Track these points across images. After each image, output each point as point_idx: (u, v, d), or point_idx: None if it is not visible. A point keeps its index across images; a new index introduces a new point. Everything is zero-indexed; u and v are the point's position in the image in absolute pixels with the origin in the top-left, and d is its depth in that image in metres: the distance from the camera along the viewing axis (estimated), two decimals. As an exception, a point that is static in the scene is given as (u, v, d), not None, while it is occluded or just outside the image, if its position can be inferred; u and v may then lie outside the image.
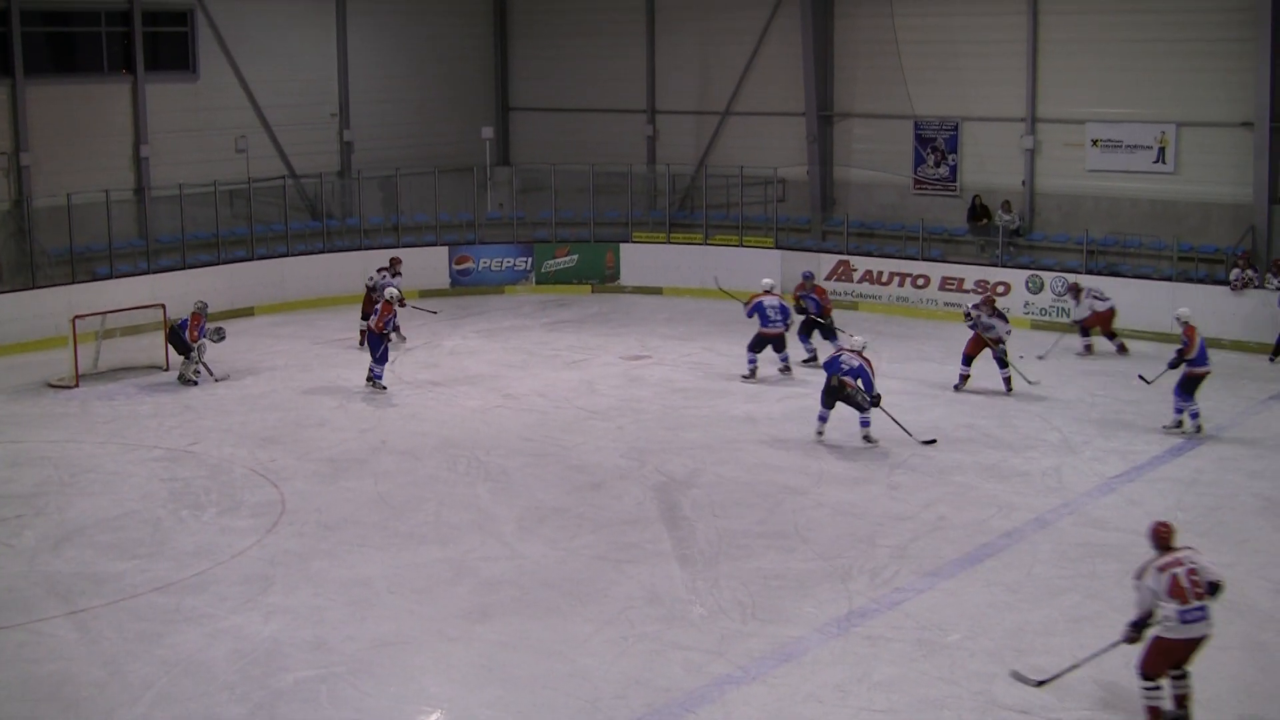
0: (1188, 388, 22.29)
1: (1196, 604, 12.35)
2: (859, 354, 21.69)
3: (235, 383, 25.92)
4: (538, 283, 35.56)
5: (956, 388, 24.98)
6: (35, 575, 16.53)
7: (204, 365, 26.09)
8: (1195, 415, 22.36)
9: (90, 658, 14.24)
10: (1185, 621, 12.34)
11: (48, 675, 13.84)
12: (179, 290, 28.81)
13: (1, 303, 28.77)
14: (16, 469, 20.74)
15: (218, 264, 32.54)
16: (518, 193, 38.44)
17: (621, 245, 35.84)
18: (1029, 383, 25.02)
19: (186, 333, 25.79)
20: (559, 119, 41.41)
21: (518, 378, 26.35)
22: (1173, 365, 22.37)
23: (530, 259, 35.71)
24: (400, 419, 23.35)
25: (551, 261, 35.67)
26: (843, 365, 21.69)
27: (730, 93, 38.23)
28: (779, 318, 25.99)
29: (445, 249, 35.30)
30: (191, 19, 34.72)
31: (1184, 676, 12.65)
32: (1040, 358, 27.06)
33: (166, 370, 26.49)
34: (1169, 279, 29.47)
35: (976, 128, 34.10)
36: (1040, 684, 13.33)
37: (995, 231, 32.50)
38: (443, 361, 27.57)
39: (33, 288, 29.66)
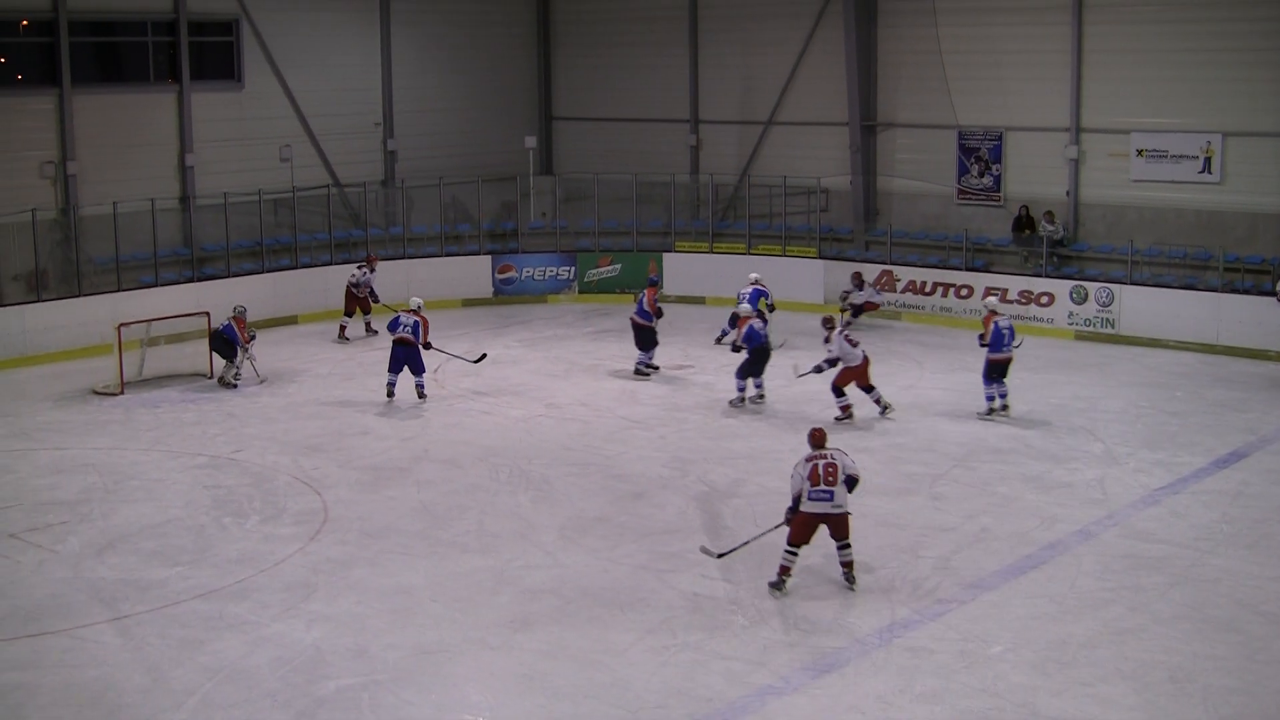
0: (992, 373, 23.98)
1: (826, 489, 15.84)
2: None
3: (279, 390, 26.02)
4: (580, 292, 35.59)
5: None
6: (79, 581, 16.62)
7: (253, 365, 26.45)
8: (1004, 396, 24.03)
9: (133, 664, 14.31)
10: (813, 499, 15.85)
11: (91, 681, 13.91)
12: (223, 298, 28.90)
13: (48, 310, 28.99)
14: (61, 475, 20.87)
15: (262, 272, 32.73)
16: (561, 202, 38.52)
17: (664, 255, 35.82)
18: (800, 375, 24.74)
19: (237, 335, 25.97)
20: (602, 128, 41.44)
21: (560, 387, 26.38)
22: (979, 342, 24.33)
23: (573, 268, 35.75)
24: (442, 428, 23.39)
25: (594, 271, 35.70)
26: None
27: (773, 102, 38.19)
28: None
29: (489, 258, 35.37)
30: (237, 29, 34.91)
31: (845, 547, 16.13)
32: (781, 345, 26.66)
33: (210, 378, 26.63)
34: (1214, 290, 29.29)
35: (1020, 137, 33.97)
36: (720, 556, 16.64)
37: (1039, 242, 32.37)
38: (485, 371, 27.58)
39: (78, 295, 29.83)
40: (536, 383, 26.74)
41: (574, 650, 14.56)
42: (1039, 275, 31.69)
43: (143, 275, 31.28)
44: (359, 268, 31.19)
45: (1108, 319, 30.01)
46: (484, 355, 27.51)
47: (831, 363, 23.83)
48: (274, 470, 21.10)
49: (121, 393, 25.62)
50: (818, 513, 15.90)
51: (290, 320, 32.32)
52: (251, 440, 22.77)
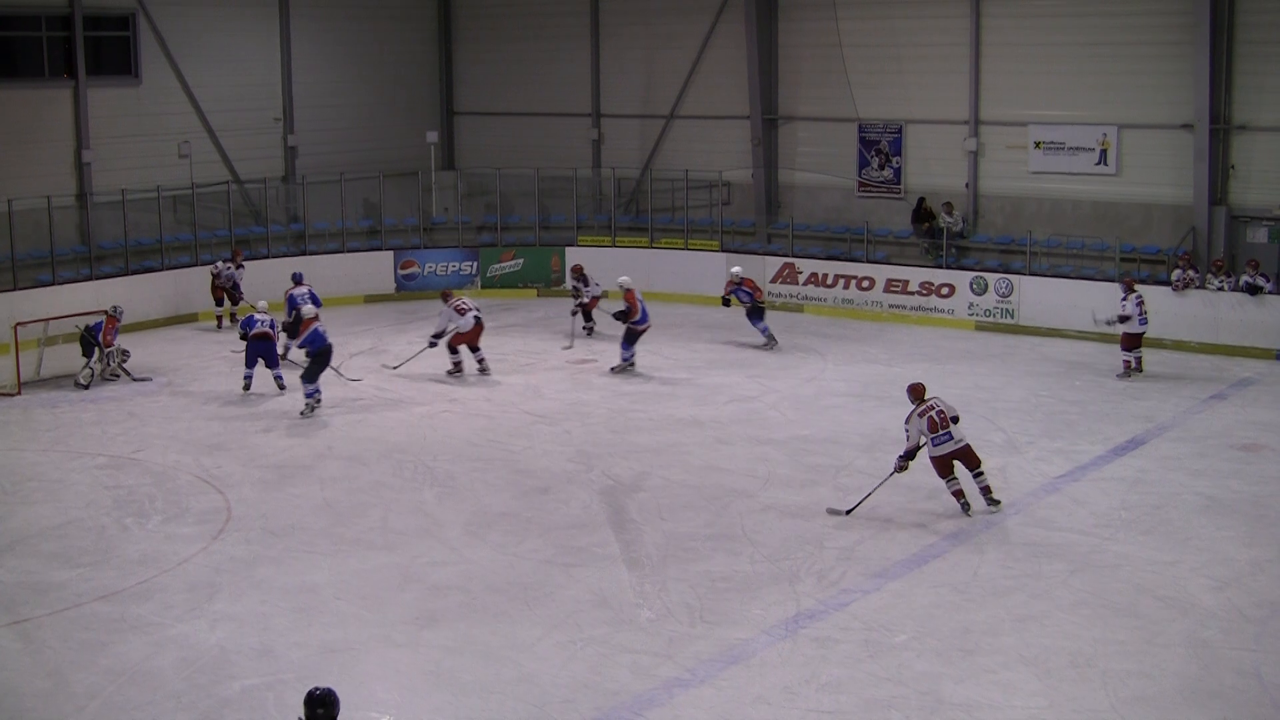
0: (629, 339, 27.00)
1: (944, 431, 18.22)
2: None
3: (180, 389, 25.78)
4: (483, 287, 35.50)
5: None
6: (-22, 585, 16.42)
7: (119, 367, 26.31)
8: (630, 358, 26.92)
9: (34, 668, 14.13)
10: (939, 443, 18.24)
11: (-9, 686, 13.75)
12: (122, 296, 28.53)
13: (-57, 310, 28.54)
14: (-42, 478, 20.60)
15: (161, 270, 32.37)
16: (463, 197, 38.40)
17: (567, 249, 35.83)
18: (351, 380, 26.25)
19: (101, 335, 25.75)
20: (504, 123, 41.36)
21: (463, 382, 26.29)
22: (618, 318, 27.36)
23: (476, 263, 35.67)
24: (345, 425, 23.27)
25: (497, 266, 35.64)
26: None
27: (675, 96, 38.27)
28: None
29: (390, 254, 35.24)
30: (133, 23, 34.48)
31: (980, 474, 18.48)
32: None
33: (115, 378, 26.35)
34: (1111, 280, 29.64)
35: (920, 130, 34.26)
36: (848, 513, 18.34)
37: (939, 234, 32.65)
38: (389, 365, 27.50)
39: (-27, 295, 29.44)
40: (440, 378, 26.64)
41: (480, 646, 14.54)
42: (939, 267, 31.98)
43: (39, 274, 30.86)
44: (224, 261, 31.41)
45: (1007, 309, 30.33)
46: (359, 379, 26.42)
47: (439, 336, 26.90)
48: (176, 469, 20.90)
49: (19, 393, 25.28)
50: (948, 453, 18.25)
51: (191, 318, 32.02)
52: (152, 439, 22.55)
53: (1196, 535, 17.80)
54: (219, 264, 31.07)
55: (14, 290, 29.66)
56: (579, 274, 30.50)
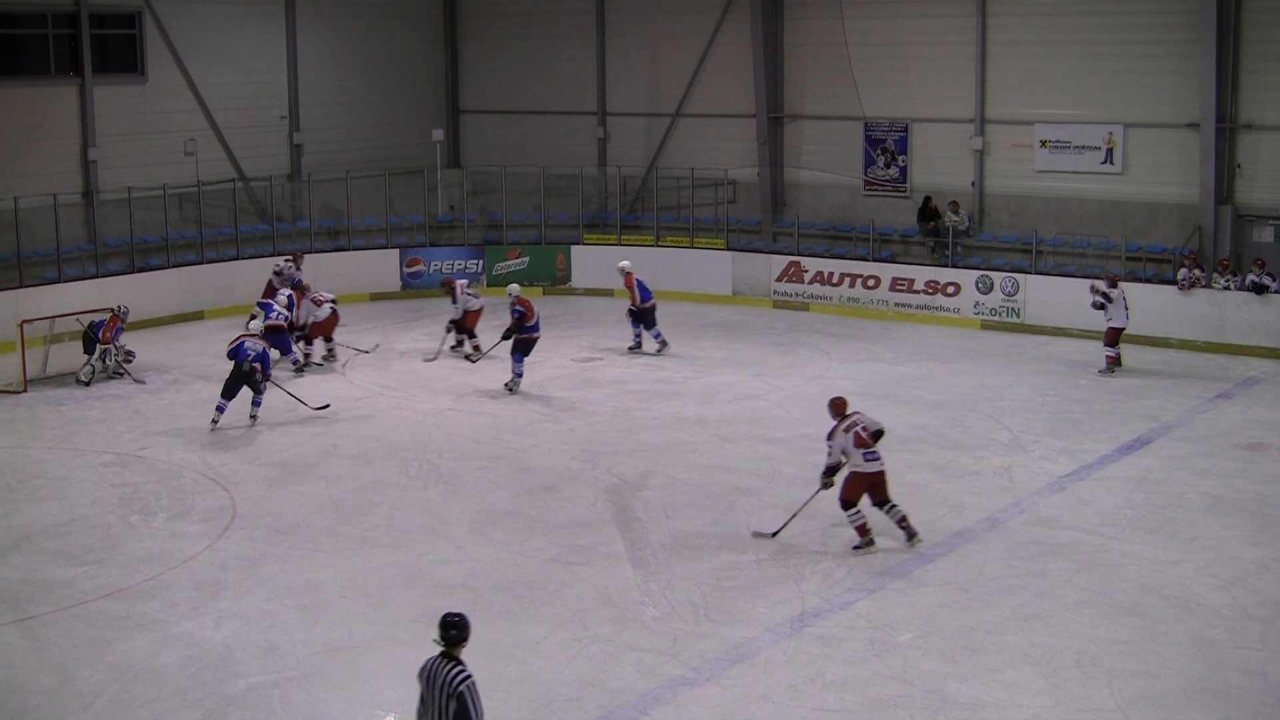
0: (520, 349, 25.57)
1: (872, 449, 16.95)
2: None
3: (185, 387, 25.78)
4: (489, 285, 35.49)
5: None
6: (-17, 582, 16.44)
7: (117, 365, 26.30)
8: (520, 373, 25.62)
9: (39, 665, 14.14)
10: (868, 460, 16.96)
11: (-4, 683, 13.77)
12: (128, 294, 28.61)
13: (-52, 307, 28.58)
14: (-36, 475, 20.62)
15: (167, 268, 32.37)
16: (468, 195, 38.39)
17: (572, 247, 35.83)
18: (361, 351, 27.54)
19: (101, 332, 25.76)
20: (509, 121, 41.38)
21: (469, 380, 26.30)
22: (505, 336, 25.86)
23: (481, 261, 35.66)
24: (350, 423, 23.28)
25: (502, 264, 35.62)
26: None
27: (681, 95, 38.27)
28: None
29: (396, 252, 35.23)
30: (139, 21, 34.51)
31: (893, 506, 17.17)
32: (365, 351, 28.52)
33: (118, 375, 26.37)
34: (1117, 278, 29.64)
35: (926, 129, 34.25)
36: (774, 535, 17.45)
37: (945, 232, 32.63)
38: (394, 365, 27.50)
39: (-21, 292, 29.47)
40: (445, 376, 26.66)
41: (485, 644, 14.51)
42: (945, 266, 31.96)
43: (46, 271, 30.87)
44: (286, 260, 30.92)
45: (1013, 308, 30.31)
46: (326, 405, 24.58)
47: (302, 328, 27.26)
48: (181, 467, 20.92)
49: (25, 390, 25.30)
50: (871, 472, 17.01)
51: (197, 316, 32.02)
52: (158, 437, 22.56)
53: (1202, 534, 17.79)
54: (280, 263, 30.82)
55: (20, 288, 29.69)
56: (450, 286, 28.73)
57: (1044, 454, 21.33)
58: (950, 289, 31.18)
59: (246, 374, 22.84)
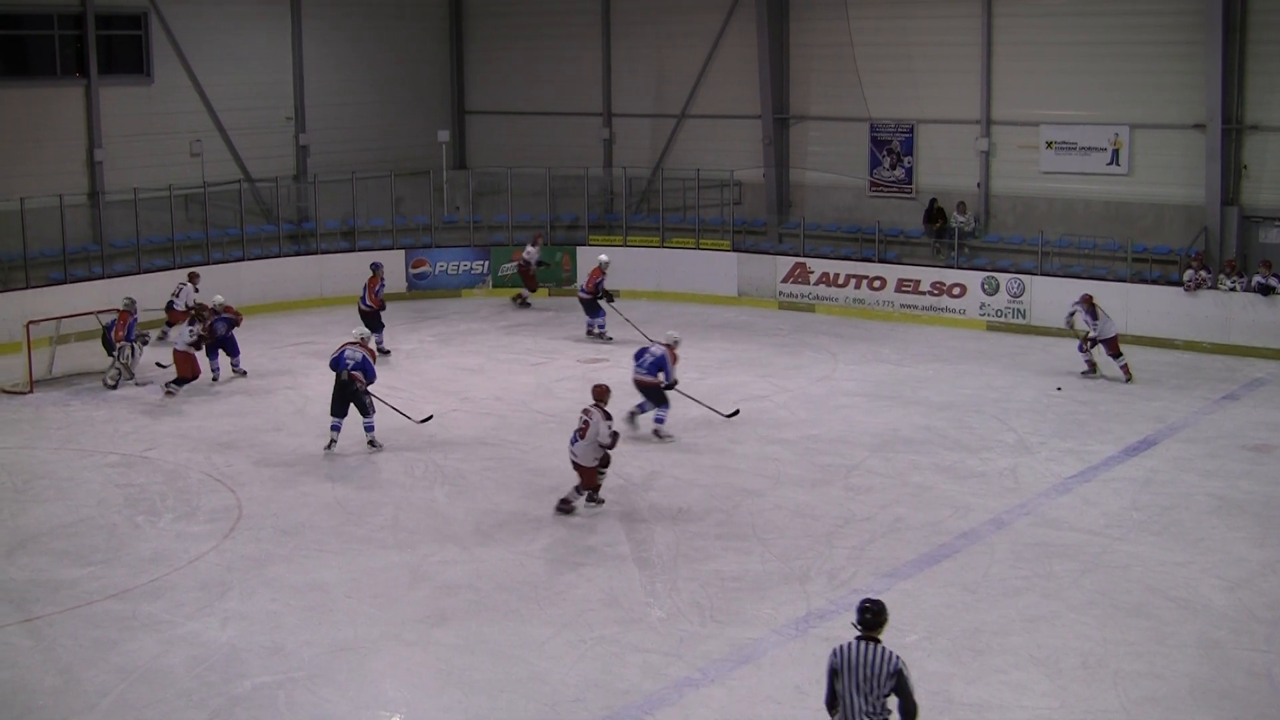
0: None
1: (574, 438, 18.18)
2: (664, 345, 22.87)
3: (190, 387, 25.76)
4: (494, 286, 35.53)
5: None
6: (-11, 582, 16.45)
7: (123, 366, 26.07)
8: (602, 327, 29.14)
9: (45, 665, 14.15)
10: (571, 444, 18.29)
11: (1, 683, 13.75)
12: (134, 295, 28.58)
13: (-46, 308, 28.61)
14: (-30, 475, 20.63)
15: (173, 268, 32.33)
16: (474, 196, 38.37)
17: (578, 248, 35.83)
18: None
19: (113, 332, 25.74)
20: (515, 122, 41.37)
21: (475, 381, 26.32)
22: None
23: (487, 262, 35.68)
24: (356, 423, 23.23)
25: (508, 265, 35.62)
26: (645, 357, 22.67)
27: (686, 96, 38.26)
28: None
29: (402, 252, 35.22)
30: (145, 22, 34.54)
31: (591, 500, 18.49)
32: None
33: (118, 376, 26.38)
34: (1123, 280, 29.63)
35: (932, 130, 34.23)
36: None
37: (951, 233, 32.62)
38: (400, 365, 27.51)
39: (-15, 293, 29.51)
40: (451, 377, 26.67)
41: (491, 645, 14.55)
42: (951, 267, 31.95)
43: (52, 272, 30.91)
44: (532, 245, 33.10)
45: (1019, 309, 30.30)
46: (429, 417, 23.94)
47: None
48: (187, 468, 20.93)
49: (31, 391, 25.32)
50: (572, 460, 18.41)
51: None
52: (164, 438, 22.58)
53: (1208, 536, 17.77)
54: (530, 249, 32.21)
55: (26, 288, 29.76)
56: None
57: (1050, 455, 21.31)
58: (956, 290, 31.17)
59: (346, 383, 21.78)
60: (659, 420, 22.52)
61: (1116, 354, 25.97)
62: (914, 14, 34.11)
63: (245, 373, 26.64)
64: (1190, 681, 13.62)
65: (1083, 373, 26.34)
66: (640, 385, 22.57)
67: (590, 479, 18.38)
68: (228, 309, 26.58)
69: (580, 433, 18.11)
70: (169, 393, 25.20)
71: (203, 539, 17.83)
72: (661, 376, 22.26)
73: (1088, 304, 26.09)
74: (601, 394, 18.59)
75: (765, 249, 35.12)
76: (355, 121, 39.08)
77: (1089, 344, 26.09)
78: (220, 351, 26.46)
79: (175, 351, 25.53)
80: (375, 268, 28.86)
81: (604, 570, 16.64)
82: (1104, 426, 22.88)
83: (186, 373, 25.37)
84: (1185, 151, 30.46)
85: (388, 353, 28.17)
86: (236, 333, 26.61)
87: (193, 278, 29.69)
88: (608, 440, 18.04)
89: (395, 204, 36.43)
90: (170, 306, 29.47)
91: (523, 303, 33.85)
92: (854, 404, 24.46)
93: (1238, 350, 27.85)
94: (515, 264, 34.28)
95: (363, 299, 28.41)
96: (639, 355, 22.66)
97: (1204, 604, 15.53)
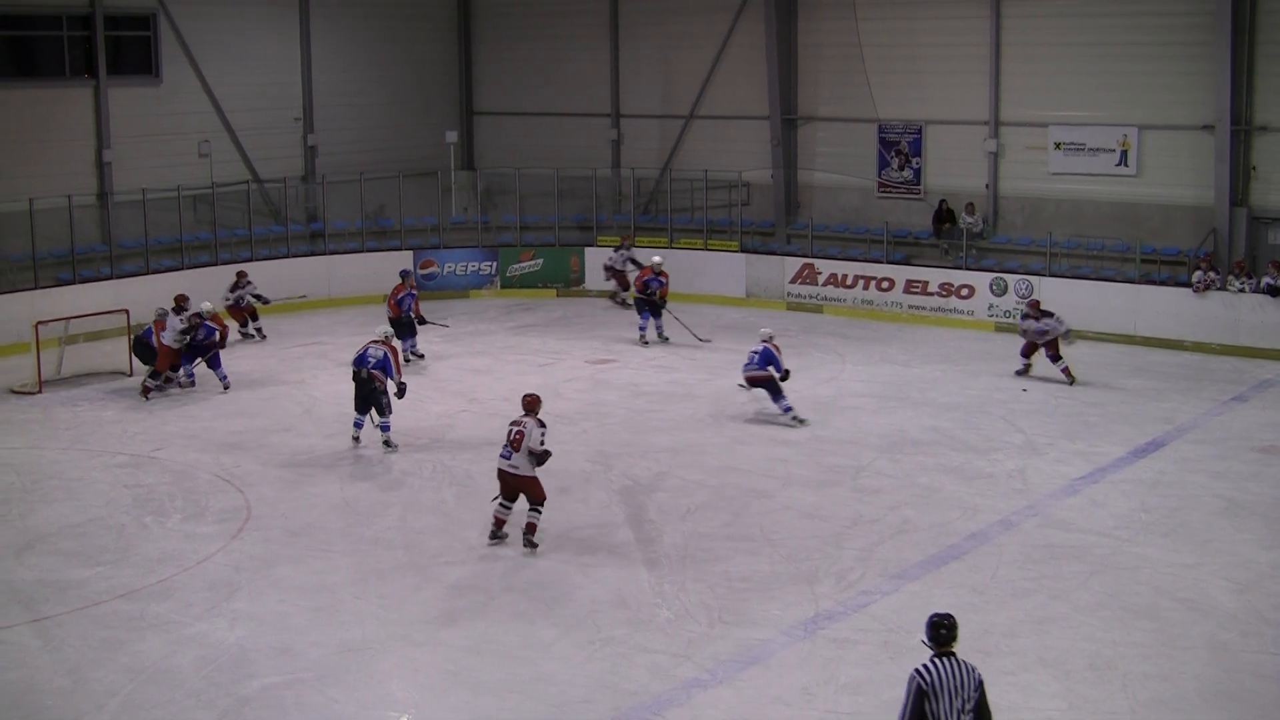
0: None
1: (507, 449, 17.18)
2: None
3: (199, 388, 25.78)
4: (502, 287, 35.55)
5: None
6: (-2, 583, 16.47)
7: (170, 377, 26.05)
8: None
9: (53, 666, 14.16)
10: (501, 457, 17.27)
11: (10, 683, 13.76)
12: (142, 295, 28.66)
13: (-36, 309, 28.63)
14: (-21, 476, 20.65)
15: (181, 269, 32.39)
16: (482, 197, 38.39)
17: (586, 249, 35.84)
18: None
19: (154, 339, 25.66)
20: (523, 123, 41.38)
21: (483, 382, 26.33)
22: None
23: (495, 263, 35.69)
24: (365, 425, 23.26)
25: (516, 265, 35.66)
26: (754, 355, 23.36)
27: (694, 96, 38.25)
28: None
29: (410, 253, 35.21)
30: (154, 23, 34.55)
31: (536, 511, 17.25)
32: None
33: (130, 376, 26.37)
34: (1131, 281, 29.62)
35: (940, 131, 34.20)
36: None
37: (959, 234, 32.60)
38: (407, 367, 27.50)
39: (-6, 293, 29.54)
40: (459, 378, 26.69)
41: (498, 646, 14.55)
42: (959, 268, 31.93)
43: (60, 272, 30.96)
44: (617, 250, 33.06)
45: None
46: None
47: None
48: (195, 468, 20.95)
49: (39, 391, 25.35)
50: (501, 469, 17.33)
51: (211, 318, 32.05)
52: (172, 438, 22.59)
53: (1216, 537, 17.75)
54: (613, 255, 32.57)
55: (35, 289, 29.79)
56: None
57: (1058, 456, 21.30)
58: (964, 291, 31.15)
59: (365, 381, 21.72)
60: (787, 409, 23.10)
61: (1056, 357, 25.86)
62: (922, 15, 34.09)
63: (228, 387, 25.82)
64: (1199, 684, 13.61)
65: (1017, 372, 26.30)
66: (754, 381, 23.59)
67: (538, 490, 17.28)
68: (215, 318, 26.35)
69: (514, 444, 17.10)
70: (146, 389, 25.21)
71: (211, 539, 17.84)
72: (772, 369, 23.19)
73: (1034, 309, 26.00)
74: (533, 404, 17.61)
75: (773, 250, 35.13)
76: (363, 122, 39.09)
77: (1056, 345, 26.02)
78: (202, 361, 25.91)
79: (160, 344, 25.48)
80: (403, 275, 28.47)
81: (612, 571, 16.64)
82: (1112, 428, 22.86)
83: (163, 366, 25.39)
84: (1194, 152, 30.42)
85: (421, 356, 27.92)
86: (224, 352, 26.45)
87: (241, 276, 29.96)
88: (540, 448, 17.22)
89: (403, 205, 36.40)
90: (236, 305, 29.89)
91: (622, 302, 33.34)
92: (862, 405, 24.45)
93: (1246, 351, 27.83)
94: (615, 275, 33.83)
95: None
96: (750, 356, 23.62)
97: (1212, 606, 15.51)
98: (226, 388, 25.74)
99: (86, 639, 14.78)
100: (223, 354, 26.19)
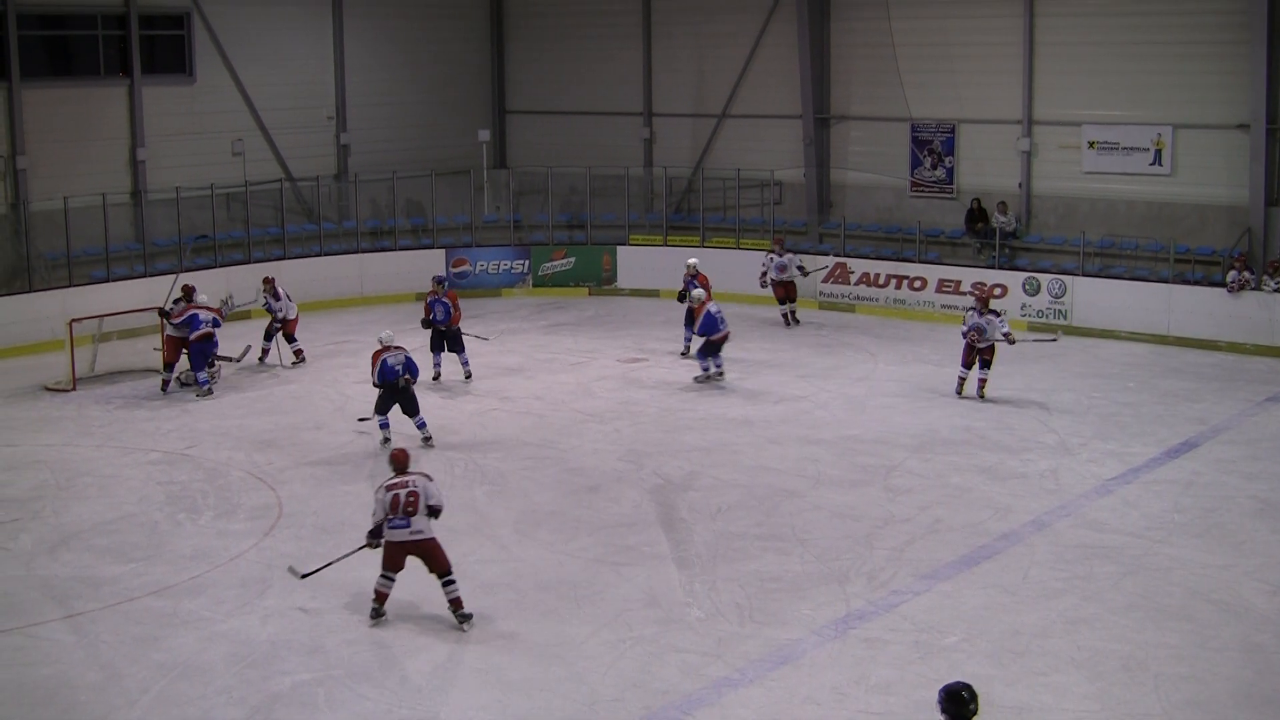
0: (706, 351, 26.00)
1: (403, 518, 15.01)
2: None
3: (231, 386, 25.87)
4: (535, 286, 35.56)
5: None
6: (31, 579, 16.52)
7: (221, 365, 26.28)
8: (719, 366, 26.07)
9: (87, 661, 14.24)
10: (393, 528, 15.03)
11: (44, 679, 13.84)
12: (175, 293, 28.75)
13: (-2, 306, 28.79)
14: (13, 472, 20.73)
15: (214, 267, 32.48)
16: (514, 195, 38.39)
17: (618, 248, 35.85)
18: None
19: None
20: (555, 122, 41.41)
21: (514, 381, 26.35)
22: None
23: (527, 262, 35.71)
24: (397, 422, 23.27)
25: (548, 264, 35.67)
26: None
27: (727, 95, 38.23)
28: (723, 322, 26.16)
29: (442, 252, 35.28)
30: (188, 22, 34.71)
31: (448, 583, 15.18)
32: None
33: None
34: (1165, 281, 29.48)
35: (973, 130, 34.11)
36: (304, 577, 15.63)
37: (992, 234, 32.51)
38: (440, 364, 27.53)
39: (29, 291, 29.66)
40: (490, 376, 26.69)
41: (529, 644, 14.56)
42: (992, 267, 31.82)
43: (94, 270, 31.10)
44: (769, 254, 31.65)
45: (1060, 310, 30.16)
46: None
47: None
48: (228, 466, 21.01)
49: (73, 389, 25.46)
50: (398, 540, 15.14)
51: (243, 315, 32.09)
52: (205, 436, 22.67)
53: (1250, 539, 17.67)
54: (765, 260, 31.66)
55: (69, 287, 29.93)
56: (270, 288, 28.10)
57: (1091, 457, 21.22)
58: (997, 291, 31.03)
59: (402, 389, 21.85)
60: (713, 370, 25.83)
61: (987, 364, 24.78)
62: (955, 14, 34.00)
63: (211, 393, 25.33)
64: (1232, 685, 13.55)
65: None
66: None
67: (443, 556, 15.36)
68: (210, 308, 25.99)
69: (409, 508, 15.09)
70: (167, 381, 25.44)
71: (243, 537, 17.91)
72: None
73: (982, 305, 24.93)
74: (404, 460, 15.56)
75: (805, 249, 35.04)
76: (396, 121, 39.18)
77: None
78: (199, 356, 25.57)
79: (165, 336, 25.60)
80: (435, 281, 27.19)
81: (643, 570, 16.64)
82: (1145, 428, 22.76)
83: (171, 358, 25.49)
84: (1228, 152, 30.27)
85: (469, 377, 26.68)
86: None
87: (268, 283, 28.27)
88: (440, 502, 15.46)
89: (435, 203, 36.45)
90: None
91: (791, 315, 31.60)
92: (894, 404, 24.40)
93: (1281, 352, 27.74)
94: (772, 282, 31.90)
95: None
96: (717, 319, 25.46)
97: (1246, 607, 15.44)
98: (205, 394, 25.31)
99: (119, 635, 14.85)
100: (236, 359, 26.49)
